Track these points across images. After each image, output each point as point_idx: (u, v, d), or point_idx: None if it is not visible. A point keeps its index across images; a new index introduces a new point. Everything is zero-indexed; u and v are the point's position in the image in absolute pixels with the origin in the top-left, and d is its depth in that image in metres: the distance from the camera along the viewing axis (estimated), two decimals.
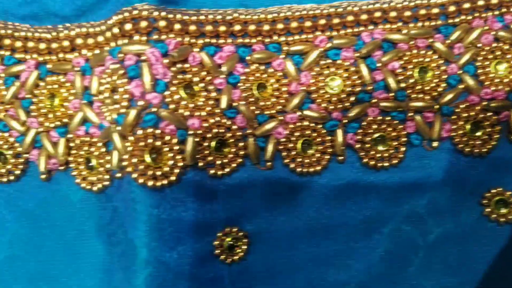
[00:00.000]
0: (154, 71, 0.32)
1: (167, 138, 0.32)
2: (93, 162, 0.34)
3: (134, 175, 0.32)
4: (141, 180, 0.32)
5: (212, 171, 0.33)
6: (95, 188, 0.34)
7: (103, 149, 0.34)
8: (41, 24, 0.37)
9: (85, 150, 0.34)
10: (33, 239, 0.36)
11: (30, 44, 0.36)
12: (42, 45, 0.35)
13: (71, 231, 0.35)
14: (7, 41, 0.36)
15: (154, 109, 0.32)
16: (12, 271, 0.36)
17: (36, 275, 0.36)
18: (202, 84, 0.33)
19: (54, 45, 0.35)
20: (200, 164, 0.33)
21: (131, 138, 0.32)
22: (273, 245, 0.35)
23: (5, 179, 0.36)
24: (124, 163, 0.32)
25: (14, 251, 0.36)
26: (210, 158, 0.33)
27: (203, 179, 0.33)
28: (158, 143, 0.31)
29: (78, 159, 0.35)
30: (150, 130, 0.31)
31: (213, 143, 0.33)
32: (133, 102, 0.32)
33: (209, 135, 0.33)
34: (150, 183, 0.32)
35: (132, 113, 0.31)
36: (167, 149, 0.32)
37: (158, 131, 0.31)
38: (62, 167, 0.35)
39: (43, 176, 0.35)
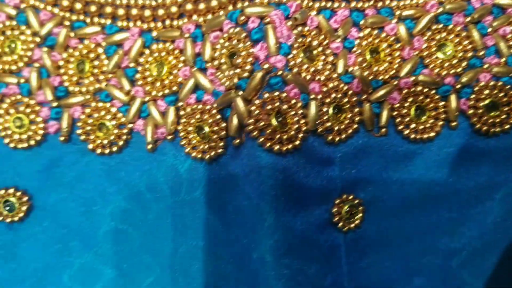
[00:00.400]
0: (278, 33, 0.31)
1: (293, 101, 0.31)
2: (206, 130, 0.33)
3: (261, 140, 0.31)
4: (268, 144, 0.31)
5: (330, 137, 0.32)
6: (207, 157, 0.33)
7: (218, 116, 0.33)
8: None
9: (196, 118, 0.33)
10: (136, 212, 0.35)
11: (134, 11, 0.34)
12: (147, 12, 0.34)
13: (178, 203, 0.34)
14: (108, 9, 0.35)
15: (280, 72, 0.31)
16: (114, 244, 0.35)
17: (139, 248, 0.35)
18: (320, 48, 0.32)
19: (160, 12, 0.34)
20: (319, 129, 0.32)
21: (256, 101, 0.31)
22: (386, 213, 0.34)
23: (107, 151, 0.35)
24: (249, 128, 0.31)
25: (116, 224, 0.35)
26: (328, 124, 0.32)
27: (320, 145, 0.32)
28: (285, 106, 0.31)
29: (188, 128, 0.34)
30: (276, 93, 0.30)
31: (331, 108, 0.32)
32: (257, 65, 0.31)
33: (327, 100, 0.32)
34: (276, 147, 0.31)
35: (258, 76, 0.30)
36: (292, 113, 0.31)
37: (284, 95, 0.31)
38: (170, 137, 0.34)
39: (149, 147, 0.34)
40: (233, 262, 0.33)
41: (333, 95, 0.32)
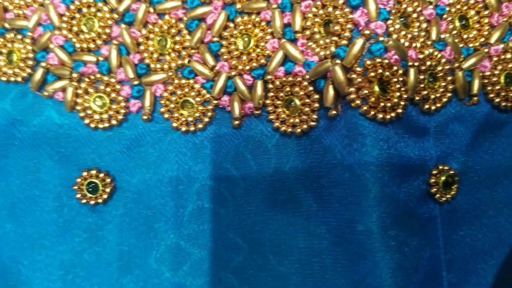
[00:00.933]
0: None
1: (395, 68, 0.30)
2: (297, 102, 0.32)
3: (364, 108, 0.30)
4: (372, 113, 0.30)
5: (426, 106, 0.32)
6: (298, 130, 0.32)
7: (311, 88, 0.32)
8: None
9: (286, 92, 0.32)
10: (223, 190, 0.33)
11: None
12: None
13: (267, 178, 0.33)
14: None
15: (381, 39, 0.30)
16: (201, 224, 0.34)
17: (227, 226, 0.34)
18: (415, 15, 0.31)
19: None
20: (416, 98, 0.31)
21: (358, 69, 0.30)
22: (478, 183, 0.33)
23: (192, 129, 0.33)
24: (351, 96, 0.30)
25: (203, 203, 0.34)
26: (424, 92, 0.31)
27: (417, 114, 0.32)
28: (387, 73, 0.30)
29: (276, 102, 0.32)
30: (378, 60, 0.30)
31: (426, 76, 0.31)
32: (355, 32, 0.30)
33: (423, 68, 0.31)
34: (380, 115, 0.30)
35: (359, 43, 0.30)
36: (395, 80, 0.30)
37: (386, 61, 0.30)
38: (257, 112, 0.33)
39: (236, 123, 0.33)
40: (329, 238, 0.32)
41: (428, 63, 0.31)
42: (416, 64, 0.31)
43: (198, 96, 0.34)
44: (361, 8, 0.30)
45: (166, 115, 0.34)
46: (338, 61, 0.30)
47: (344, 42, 0.31)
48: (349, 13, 0.30)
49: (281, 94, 0.33)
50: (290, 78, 0.32)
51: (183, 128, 0.34)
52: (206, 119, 0.34)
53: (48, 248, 0.34)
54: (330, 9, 0.31)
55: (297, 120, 0.33)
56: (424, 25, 0.32)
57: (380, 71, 0.30)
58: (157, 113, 0.34)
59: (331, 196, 0.32)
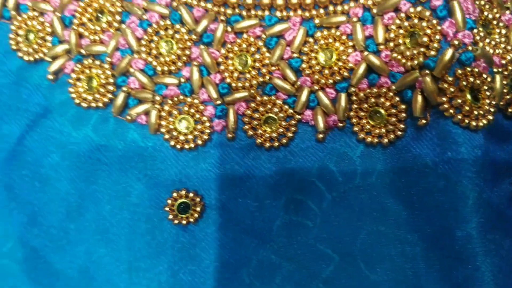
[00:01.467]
0: (464, 8, 0.30)
1: (484, 76, 0.30)
2: (382, 113, 0.33)
3: (458, 117, 0.30)
4: (466, 121, 0.30)
5: (509, 110, 0.32)
6: (384, 141, 0.33)
7: (397, 98, 0.32)
8: None
9: (370, 103, 0.33)
10: (309, 203, 0.34)
11: (294, 0, 0.34)
12: (308, 0, 0.34)
13: (353, 189, 0.34)
14: (265, 0, 0.34)
15: (470, 48, 0.30)
16: (289, 237, 0.35)
17: (315, 238, 0.35)
18: (495, 21, 0.32)
19: None
20: (501, 103, 0.32)
21: (449, 79, 0.30)
22: None
23: (276, 144, 0.34)
24: (444, 106, 0.30)
25: (290, 217, 0.35)
26: (508, 97, 0.32)
27: (501, 119, 0.32)
28: (478, 81, 0.30)
29: (360, 113, 0.33)
30: (468, 69, 0.30)
31: (509, 81, 0.32)
32: (443, 43, 0.31)
33: (506, 73, 0.32)
34: (473, 123, 0.30)
35: (449, 53, 0.30)
36: (485, 87, 0.30)
37: (476, 70, 0.30)
38: (341, 124, 0.33)
39: (320, 136, 0.34)
40: (422, 245, 0.33)
41: (510, 68, 0.32)
42: (500, 70, 0.31)
43: (281, 112, 0.34)
44: (448, 19, 0.31)
45: (250, 132, 0.34)
46: (427, 71, 0.31)
47: (433, 52, 0.31)
48: (437, 24, 0.31)
49: (365, 106, 0.33)
50: (375, 90, 0.33)
51: (267, 144, 0.34)
52: (290, 134, 0.34)
53: (145, 270, 0.35)
54: (416, 20, 0.31)
55: (383, 130, 0.33)
56: (504, 31, 0.32)
57: (471, 79, 0.30)
58: (241, 131, 0.35)
59: (423, 203, 0.33)
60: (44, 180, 0.36)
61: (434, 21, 0.31)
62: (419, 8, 0.31)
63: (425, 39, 0.31)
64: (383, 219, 0.34)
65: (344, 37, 0.34)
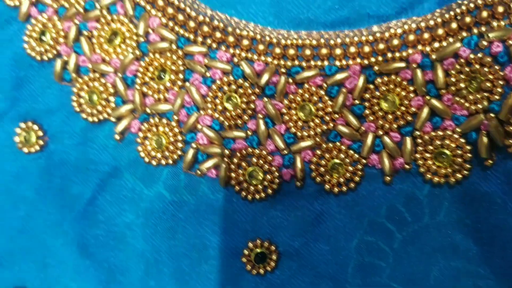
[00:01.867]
0: None
1: None
2: (448, 154, 0.34)
3: None
4: None
5: None
6: (452, 180, 0.34)
7: (462, 140, 0.33)
8: (352, 28, 0.36)
9: (435, 145, 0.34)
10: (380, 243, 0.35)
11: (352, 49, 0.35)
12: (366, 48, 0.35)
13: (422, 228, 0.35)
14: (324, 51, 0.36)
15: None
16: (363, 278, 0.36)
17: (389, 277, 0.36)
18: None
19: (380, 46, 0.34)
20: None
21: None
22: None
23: (344, 189, 0.35)
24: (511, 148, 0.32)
25: (363, 258, 0.36)
26: None
27: None
28: None
29: (426, 155, 0.34)
30: None
31: None
32: (506, 87, 0.32)
33: None
34: None
35: None
36: None
37: None
38: (408, 166, 0.35)
39: (388, 179, 0.35)
40: (493, 278, 0.34)
41: None
42: None
43: (347, 158, 0.35)
44: (510, 64, 0.32)
45: (318, 179, 0.36)
46: (492, 115, 0.32)
47: (497, 97, 0.32)
48: (499, 70, 0.32)
49: (431, 148, 0.34)
50: (440, 132, 0.34)
51: (336, 189, 0.36)
52: (357, 178, 0.36)
53: None
54: (477, 66, 0.33)
55: (449, 170, 0.34)
56: None
57: None
58: (309, 178, 0.36)
59: (493, 239, 0.34)
60: (119, 238, 0.37)
61: (496, 67, 0.32)
62: (479, 55, 0.33)
63: (488, 84, 0.32)
64: (454, 255, 0.35)
65: (404, 83, 0.35)
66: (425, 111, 0.35)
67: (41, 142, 0.40)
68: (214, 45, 0.37)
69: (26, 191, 0.40)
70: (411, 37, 0.35)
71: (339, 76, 0.36)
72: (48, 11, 0.39)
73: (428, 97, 0.34)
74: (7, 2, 0.40)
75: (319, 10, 0.37)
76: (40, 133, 0.40)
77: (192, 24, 0.37)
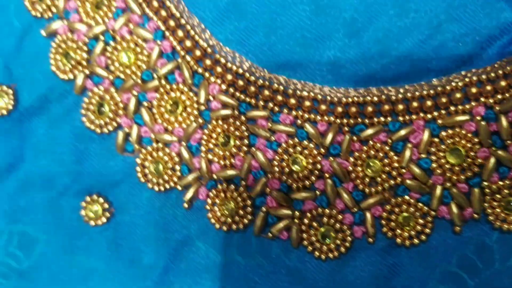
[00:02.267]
0: None
1: None
2: None
3: None
4: None
5: None
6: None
7: None
8: (412, 83, 0.37)
9: (504, 194, 0.35)
10: None
11: (414, 104, 0.36)
12: (429, 103, 0.35)
13: (494, 274, 0.36)
14: (386, 107, 0.36)
15: None
16: None
17: None
18: None
19: (443, 100, 0.35)
20: None
21: None
22: None
23: (416, 241, 0.36)
24: None
25: None
26: None
27: None
28: None
29: (494, 203, 0.35)
30: None
31: None
32: None
33: None
34: None
35: None
36: None
37: None
38: (477, 216, 0.36)
39: (458, 229, 0.36)
40: None
41: None
42: None
43: (417, 211, 0.36)
44: None
45: (389, 234, 0.36)
46: None
47: None
48: None
49: (499, 197, 0.35)
50: (507, 182, 0.35)
51: (407, 242, 0.36)
52: (427, 230, 0.36)
53: None
54: None
55: None
56: None
57: None
58: (380, 233, 0.36)
59: None
60: None
61: None
62: None
63: None
64: None
65: (469, 135, 0.35)
66: (492, 161, 0.35)
67: (107, 214, 0.40)
68: (276, 108, 0.38)
69: (96, 263, 0.40)
70: (473, 90, 0.35)
71: (404, 132, 0.36)
72: (104, 83, 0.40)
73: (494, 148, 0.35)
74: (61, 76, 0.40)
75: (378, 66, 0.37)
76: (106, 205, 0.40)
77: (252, 88, 0.38)
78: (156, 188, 0.39)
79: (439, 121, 0.36)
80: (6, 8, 0.42)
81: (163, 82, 0.39)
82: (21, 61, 0.42)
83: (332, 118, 0.37)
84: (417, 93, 0.36)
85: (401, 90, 0.37)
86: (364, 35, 0.37)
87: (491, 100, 0.35)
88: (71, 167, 0.41)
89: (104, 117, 0.39)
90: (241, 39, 0.39)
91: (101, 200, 0.40)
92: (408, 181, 0.36)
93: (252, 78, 0.38)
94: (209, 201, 0.38)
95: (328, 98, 0.37)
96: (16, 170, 0.42)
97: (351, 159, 0.37)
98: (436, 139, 0.36)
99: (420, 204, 0.37)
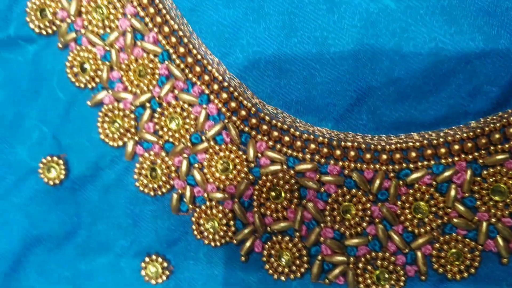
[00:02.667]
0: None
1: None
2: None
3: None
4: None
5: None
6: None
7: None
8: (451, 126, 0.39)
9: None
10: None
11: (455, 147, 0.38)
12: (469, 144, 0.37)
13: None
14: (428, 151, 0.38)
15: None
16: None
17: None
18: None
19: (483, 141, 0.37)
20: None
21: None
22: None
23: (465, 274, 0.38)
24: None
25: None
26: None
27: None
28: None
29: None
30: None
31: None
32: None
33: None
34: None
35: None
36: None
37: None
38: None
39: (505, 260, 0.39)
40: None
41: None
42: None
43: (465, 246, 0.38)
44: None
45: (440, 270, 0.38)
46: None
47: None
48: None
49: None
50: None
51: (458, 276, 0.38)
52: (476, 264, 0.38)
53: None
54: None
55: None
56: None
57: None
58: (431, 269, 0.38)
59: None
60: None
61: None
62: None
63: None
64: None
65: (510, 172, 0.37)
66: None
67: (167, 272, 0.42)
68: (323, 160, 0.39)
69: None
70: (511, 130, 0.37)
71: (447, 173, 0.38)
72: (154, 148, 0.41)
73: None
74: (111, 144, 0.42)
75: (416, 112, 0.39)
76: (165, 264, 0.42)
77: (298, 143, 0.39)
78: (213, 244, 0.41)
79: (480, 161, 0.38)
80: (49, 81, 0.44)
81: (212, 143, 0.41)
82: (68, 131, 0.44)
83: (377, 166, 0.39)
84: (457, 136, 0.38)
85: (441, 134, 0.39)
86: (402, 83, 0.39)
87: None
88: (128, 229, 0.43)
89: (157, 180, 0.41)
90: (282, 95, 0.40)
91: (159, 259, 0.42)
92: (454, 220, 0.38)
93: (297, 133, 0.40)
94: (265, 253, 0.40)
95: (372, 146, 0.39)
96: (74, 237, 0.44)
97: (399, 203, 0.39)
98: (478, 178, 0.38)
99: (468, 240, 0.39)
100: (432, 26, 0.38)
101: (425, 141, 0.39)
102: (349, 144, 0.39)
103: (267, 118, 0.40)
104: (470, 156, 0.39)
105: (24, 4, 0.44)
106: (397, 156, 0.39)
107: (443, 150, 0.39)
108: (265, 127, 0.40)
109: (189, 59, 0.41)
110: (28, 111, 0.44)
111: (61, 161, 0.43)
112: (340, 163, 0.39)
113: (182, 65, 0.41)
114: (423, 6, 0.38)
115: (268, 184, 0.40)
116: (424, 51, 0.38)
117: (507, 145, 0.38)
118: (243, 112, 0.40)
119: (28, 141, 0.44)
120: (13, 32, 0.44)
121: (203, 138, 0.41)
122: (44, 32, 0.43)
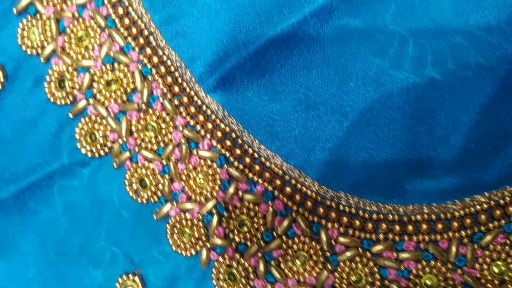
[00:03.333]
0: None
1: None
2: None
3: None
4: None
5: None
6: None
7: None
8: None
9: None
10: None
11: (510, 209, 0.39)
12: None
13: None
14: (498, 212, 0.39)
15: None
16: None
17: None
18: None
19: None
20: None
21: None
22: None
23: None
24: None
25: None
26: None
27: None
28: None
29: None
30: None
31: None
32: None
33: None
34: None
35: None
36: None
37: None
38: None
39: None
40: None
41: None
42: None
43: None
44: None
45: None
46: None
47: None
48: None
49: None
50: None
51: None
52: None
53: None
54: None
55: None
56: None
57: None
58: None
59: None
60: None
61: None
62: None
63: None
64: None
65: None
66: None
67: None
68: (397, 238, 0.40)
69: None
70: None
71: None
72: (228, 251, 0.42)
73: None
74: (184, 254, 0.43)
75: (478, 175, 0.40)
76: None
77: (369, 224, 0.40)
78: None
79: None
80: (110, 200, 0.44)
81: (284, 238, 0.41)
82: (138, 247, 0.44)
83: (450, 234, 0.40)
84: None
85: (506, 193, 0.40)
86: (456, 147, 0.40)
87: None
88: None
89: (238, 283, 0.42)
90: (343, 179, 0.41)
91: None
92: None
93: (366, 214, 0.40)
94: None
95: (442, 216, 0.40)
96: None
97: (477, 265, 0.40)
98: None
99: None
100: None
101: (492, 202, 0.40)
102: (419, 217, 0.40)
103: (333, 204, 0.41)
104: None
105: (71, 130, 0.45)
106: (468, 221, 0.40)
107: (511, 208, 0.39)
108: (333, 214, 0.41)
109: (247, 159, 0.42)
110: (95, 234, 0.45)
111: (137, 278, 0.44)
112: (415, 238, 0.40)
113: (241, 166, 0.42)
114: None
115: (347, 269, 0.41)
116: (478, 117, 0.40)
117: None
118: (309, 203, 0.41)
119: (101, 264, 0.45)
120: (67, 160, 0.45)
121: (275, 234, 0.42)
122: (97, 155, 0.44)
